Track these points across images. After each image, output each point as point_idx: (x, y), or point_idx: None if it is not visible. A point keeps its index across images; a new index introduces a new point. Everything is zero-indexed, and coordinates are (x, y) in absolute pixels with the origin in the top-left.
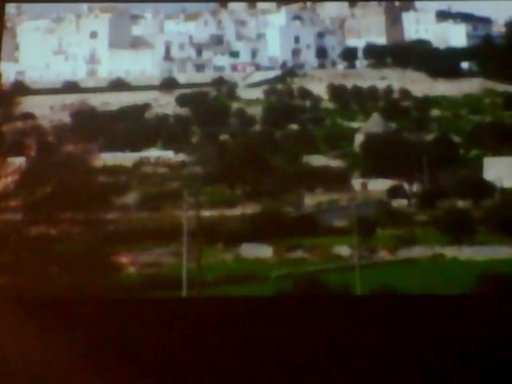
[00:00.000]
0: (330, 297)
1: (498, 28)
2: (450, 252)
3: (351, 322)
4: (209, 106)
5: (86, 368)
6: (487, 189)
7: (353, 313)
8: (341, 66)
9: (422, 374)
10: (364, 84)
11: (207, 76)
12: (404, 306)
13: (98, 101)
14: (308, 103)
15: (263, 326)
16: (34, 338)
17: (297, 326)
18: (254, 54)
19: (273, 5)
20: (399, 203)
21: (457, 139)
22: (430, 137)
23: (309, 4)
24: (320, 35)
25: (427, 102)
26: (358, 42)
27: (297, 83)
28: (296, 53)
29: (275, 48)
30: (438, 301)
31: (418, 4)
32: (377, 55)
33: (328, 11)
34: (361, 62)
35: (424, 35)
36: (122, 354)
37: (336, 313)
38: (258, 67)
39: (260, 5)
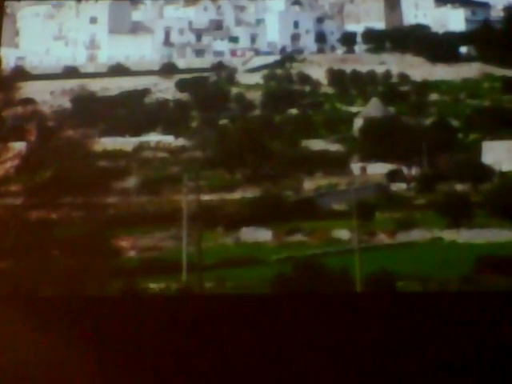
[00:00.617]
0: (329, 294)
1: (497, 13)
2: (449, 235)
3: (351, 319)
4: (208, 91)
5: (84, 365)
6: (486, 172)
7: (352, 310)
8: (340, 50)
9: (422, 371)
10: (363, 69)
11: (207, 61)
12: (404, 303)
13: (97, 86)
14: (307, 88)
15: (262, 324)
16: (32, 337)
17: (295, 323)
18: (253, 39)
19: None
20: (398, 187)
21: (455, 123)
22: (428, 121)
23: None
24: (319, 20)
25: (426, 86)
26: (357, 27)
27: (296, 68)
28: (295, 38)
29: (274, 33)
30: (437, 298)
31: None
32: (376, 40)
33: None
34: (360, 47)
35: (423, 20)
36: (120, 351)
37: (336, 310)
38: (257, 52)
39: None
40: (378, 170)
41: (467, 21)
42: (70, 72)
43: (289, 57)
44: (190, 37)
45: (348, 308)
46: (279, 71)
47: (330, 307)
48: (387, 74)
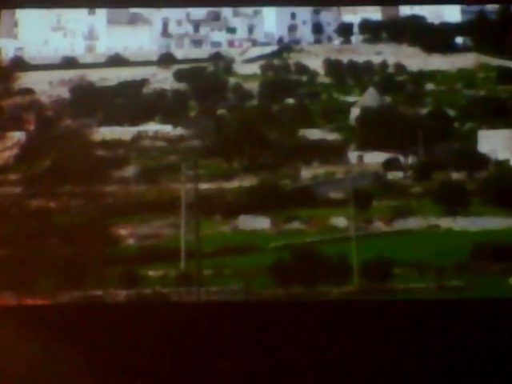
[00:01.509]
0: (329, 302)
1: (492, 4)
2: (445, 223)
3: (350, 327)
4: (206, 81)
5: (81, 372)
6: (481, 161)
7: (352, 318)
8: (337, 41)
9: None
10: (359, 59)
11: (204, 51)
12: (404, 312)
13: (96, 76)
14: (304, 78)
15: (260, 332)
16: (31, 344)
17: (295, 330)
18: (250, 29)
19: None
20: (395, 175)
21: (451, 113)
22: (424, 110)
23: None
24: (316, 11)
25: (422, 76)
26: (354, 18)
27: (293, 58)
28: (292, 29)
29: (271, 24)
30: (436, 305)
31: None
32: (372, 30)
33: None
34: (356, 38)
35: (419, 11)
36: (118, 358)
37: (334, 318)
38: (254, 43)
39: None
40: (375, 158)
41: (463, 11)
42: (69, 62)
43: (286, 47)
44: (188, 27)
45: (346, 316)
46: (276, 61)
47: (327, 315)
48: (383, 64)
